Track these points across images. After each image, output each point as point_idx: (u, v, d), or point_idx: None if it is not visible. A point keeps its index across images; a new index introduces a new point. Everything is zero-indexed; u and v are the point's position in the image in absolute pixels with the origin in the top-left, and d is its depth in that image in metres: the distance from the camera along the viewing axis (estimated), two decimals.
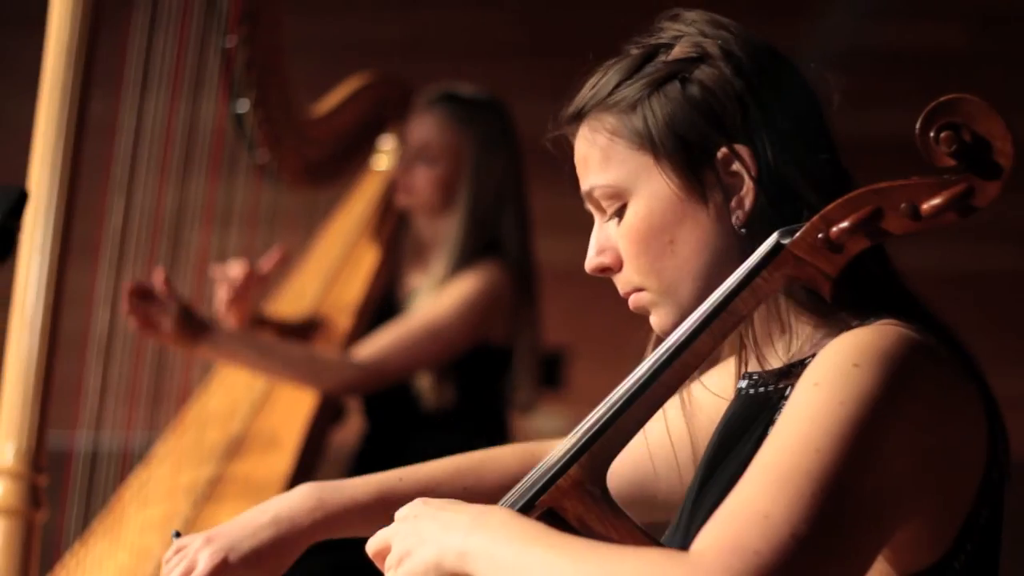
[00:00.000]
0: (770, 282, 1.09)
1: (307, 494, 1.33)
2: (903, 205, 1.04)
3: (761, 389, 1.16)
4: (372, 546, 1.12)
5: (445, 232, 2.54)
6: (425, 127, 2.55)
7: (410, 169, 2.56)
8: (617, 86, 1.17)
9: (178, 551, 1.34)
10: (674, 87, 1.15)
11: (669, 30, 1.19)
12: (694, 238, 1.15)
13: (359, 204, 2.91)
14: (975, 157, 1.02)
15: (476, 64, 4.05)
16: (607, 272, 1.20)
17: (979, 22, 4.49)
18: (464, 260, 2.50)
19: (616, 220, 1.19)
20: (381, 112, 2.81)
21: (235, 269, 2.41)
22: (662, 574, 0.91)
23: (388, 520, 1.20)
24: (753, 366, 1.19)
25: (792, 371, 1.13)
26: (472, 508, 1.06)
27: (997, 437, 1.10)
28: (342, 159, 2.74)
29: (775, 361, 1.16)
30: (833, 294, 1.07)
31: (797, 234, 1.08)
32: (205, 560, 1.32)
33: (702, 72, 1.15)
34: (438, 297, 2.49)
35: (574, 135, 1.21)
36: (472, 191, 2.51)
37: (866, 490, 0.97)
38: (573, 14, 4.12)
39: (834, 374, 1.02)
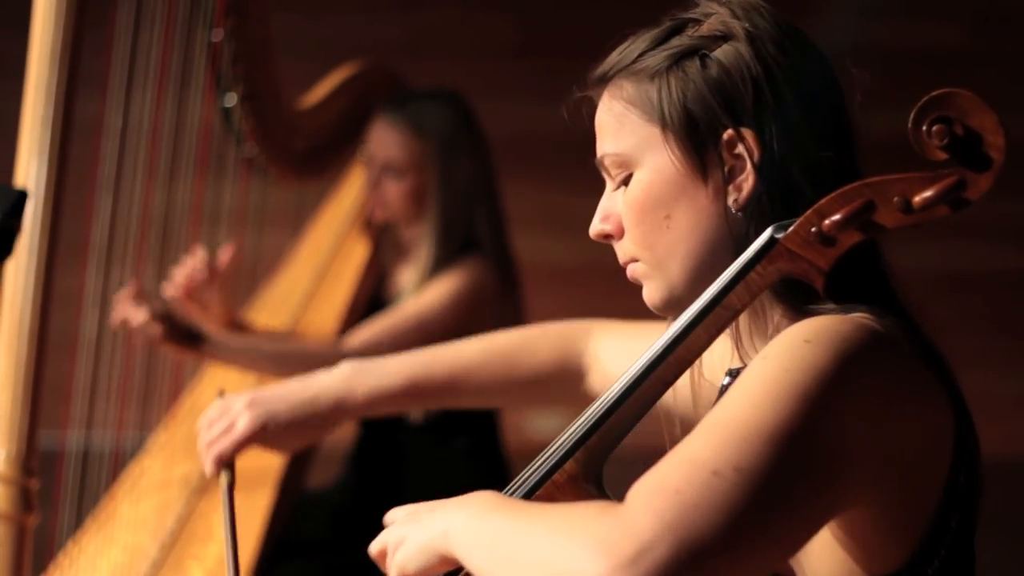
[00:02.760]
0: (764, 276, 1.09)
1: (343, 377, 1.45)
2: (895, 198, 1.04)
3: None
4: (374, 548, 1.14)
5: (422, 236, 2.54)
6: (385, 143, 2.54)
7: (379, 185, 2.56)
8: (641, 55, 1.18)
9: (221, 408, 1.46)
10: (693, 63, 1.15)
11: (704, 6, 1.20)
12: (689, 216, 1.15)
13: (349, 195, 2.91)
14: (967, 150, 1.01)
15: (476, 64, 4.05)
16: (608, 239, 1.21)
17: (978, 22, 4.49)
18: (443, 261, 2.50)
19: (623, 189, 1.19)
20: (369, 102, 2.80)
21: (187, 269, 2.37)
22: (593, 519, 0.92)
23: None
24: (737, 362, 1.19)
25: None
26: (462, 496, 1.08)
27: (966, 442, 1.09)
28: (331, 150, 2.73)
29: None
30: (826, 287, 1.07)
31: (791, 228, 1.08)
32: (245, 423, 1.46)
33: (722, 51, 1.15)
34: (423, 292, 2.49)
35: (599, 98, 1.22)
36: (442, 195, 2.51)
37: (799, 451, 0.95)
38: (572, 14, 4.11)
39: (785, 348, 1.02)
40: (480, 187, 2.54)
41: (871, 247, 1.12)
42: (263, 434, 1.47)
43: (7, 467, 1.62)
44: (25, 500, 1.63)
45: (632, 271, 1.20)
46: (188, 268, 2.36)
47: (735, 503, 0.91)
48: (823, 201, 1.06)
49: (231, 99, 2.27)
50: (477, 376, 1.42)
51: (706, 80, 1.14)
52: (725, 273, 1.10)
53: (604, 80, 1.21)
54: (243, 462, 2.33)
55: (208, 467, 1.51)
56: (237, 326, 2.46)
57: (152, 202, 2.08)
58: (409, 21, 4.52)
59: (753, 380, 1.00)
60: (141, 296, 2.15)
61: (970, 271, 4.34)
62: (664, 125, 1.15)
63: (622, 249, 1.20)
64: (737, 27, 1.15)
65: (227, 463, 1.50)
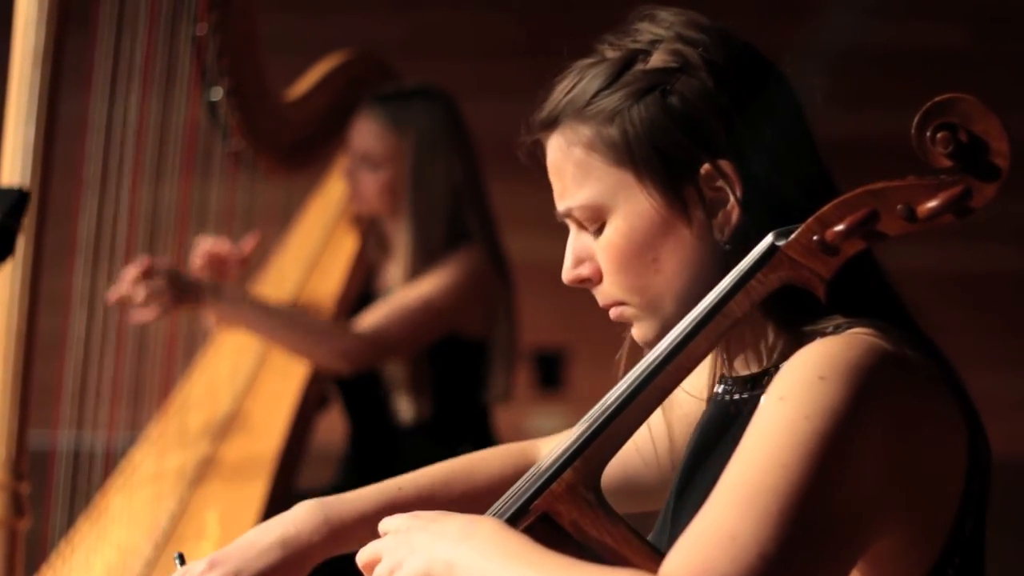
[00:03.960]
0: (765, 284, 1.07)
1: (312, 511, 1.29)
2: (899, 207, 1.02)
3: (736, 396, 1.15)
4: (362, 558, 1.11)
5: (403, 232, 2.53)
6: (363, 135, 2.53)
7: (356, 177, 2.55)
8: (595, 95, 1.13)
9: None
10: (654, 99, 1.10)
11: (646, 32, 1.15)
12: (677, 255, 1.12)
13: (337, 187, 2.89)
14: (972, 157, 1.00)
15: (476, 64, 4.03)
16: (585, 284, 1.17)
17: (979, 22, 4.48)
18: (428, 256, 2.49)
19: (595, 232, 1.15)
20: (357, 91, 2.78)
21: (215, 243, 2.40)
22: None
23: None
24: (729, 370, 1.17)
25: (766, 377, 1.11)
26: (462, 519, 1.05)
27: (978, 446, 1.08)
28: (319, 141, 2.71)
29: (753, 366, 1.15)
30: (828, 296, 1.06)
31: (792, 236, 1.06)
32: None
33: (683, 84, 1.11)
34: (421, 279, 2.48)
35: (547, 140, 1.17)
36: (414, 192, 2.49)
37: (833, 505, 0.95)
38: (573, 14, 4.09)
39: (800, 387, 1.00)
40: (466, 185, 2.52)
41: (866, 252, 1.10)
42: None
43: None
44: (16, 504, 1.62)
45: (618, 313, 1.16)
46: (215, 243, 2.39)
47: None
48: (825, 209, 1.05)
49: (217, 93, 2.26)
50: (445, 492, 1.36)
51: (672, 116, 1.10)
52: (725, 281, 1.08)
53: (553, 123, 1.15)
54: (236, 450, 2.34)
55: None
56: None
57: (139, 200, 2.07)
58: (408, 20, 4.51)
59: (774, 432, 0.98)
60: (149, 273, 2.13)
61: (970, 271, 4.35)
62: (637, 168, 1.11)
63: (603, 293, 1.16)
64: (692, 55, 1.11)
65: None
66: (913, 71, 3.99)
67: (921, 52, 4.36)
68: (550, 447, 1.43)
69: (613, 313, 1.17)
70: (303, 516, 1.29)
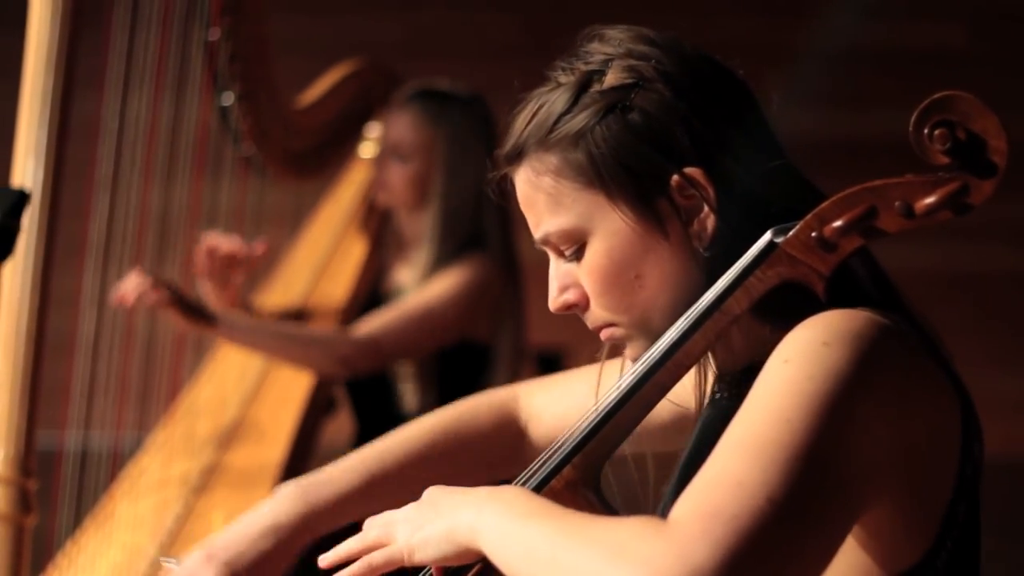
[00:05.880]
0: (763, 281, 1.08)
1: (294, 496, 1.33)
2: (897, 203, 1.03)
3: (735, 393, 1.15)
4: (358, 543, 1.13)
5: (423, 229, 2.54)
6: (398, 125, 2.55)
7: (384, 166, 2.57)
8: (556, 122, 1.13)
9: (181, 574, 1.31)
10: (615, 118, 1.11)
11: (596, 53, 1.15)
12: (659, 269, 1.13)
13: (347, 192, 2.91)
14: (969, 155, 1.00)
15: (476, 64, 4.04)
16: (573, 309, 1.18)
17: (980, 22, 4.48)
18: (445, 256, 2.50)
19: (575, 258, 1.16)
20: (367, 100, 2.80)
21: (225, 240, 2.41)
22: (643, 539, 0.91)
23: (377, 506, 1.22)
24: (720, 366, 1.18)
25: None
26: (486, 488, 1.06)
27: (971, 433, 1.09)
28: (329, 149, 2.73)
29: (745, 363, 1.15)
30: (827, 293, 1.07)
31: (791, 232, 1.07)
32: None
33: (641, 98, 1.11)
34: (429, 284, 2.49)
35: (515, 174, 1.17)
36: (445, 188, 2.51)
37: (836, 461, 0.96)
38: (573, 14, 4.10)
39: (804, 351, 1.01)
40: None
41: (863, 249, 1.11)
42: None
43: (5, 468, 1.62)
44: (23, 501, 1.62)
45: (609, 334, 1.17)
46: (225, 240, 2.39)
47: (789, 531, 0.92)
48: (824, 205, 1.05)
49: (228, 98, 2.27)
50: (429, 456, 1.37)
51: (634, 132, 1.11)
52: (724, 278, 1.09)
53: (519, 155, 1.16)
54: (242, 455, 2.35)
55: None
56: (244, 309, 2.47)
57: (149, 202, 2.08)
58: (409, 21, 4.52)
59: (779, 390, 0.99)
60: (155, 285, 2.15)
61: (970, 271, 4.34)
62: (607, 188, 1.12)
63: (592, 317, 1.17)
64: (646, 68, 1.12)
65: None
66: (913, 71, 3.98)
67: (921, 52, 4.36)
68: (536, 398, 1.44)
69: (604, 335, 1.17)
70: (286, 505, 1.32)
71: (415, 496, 1.22)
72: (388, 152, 2.56)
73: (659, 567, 0.89)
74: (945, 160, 1.01)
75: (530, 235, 1.19)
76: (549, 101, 1.15)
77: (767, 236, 1.08)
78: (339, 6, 4.50)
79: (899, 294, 1.14)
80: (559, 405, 1.40)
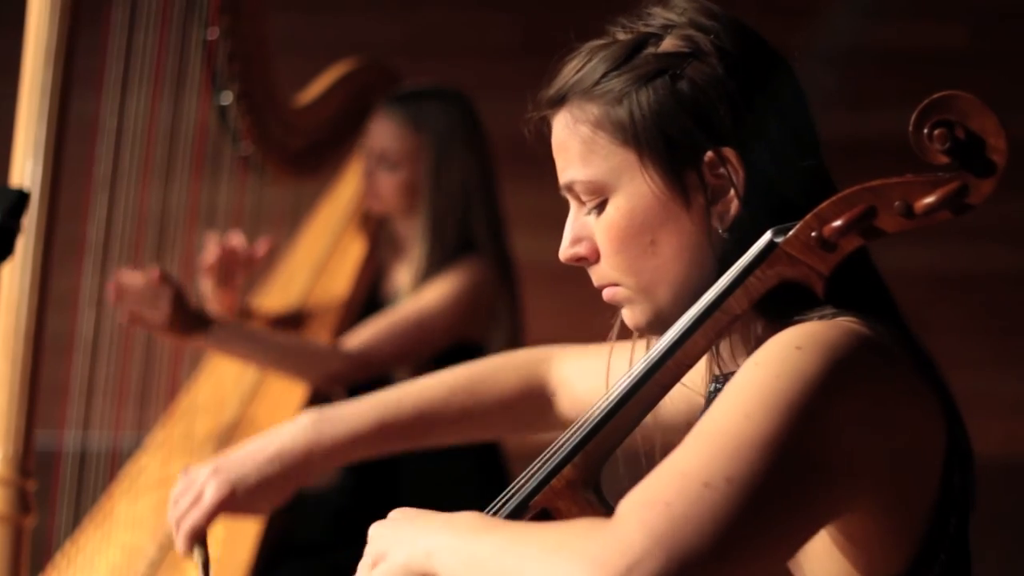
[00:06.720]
0: (763, 280, 1.08)
1: (307, 427, 1.38)
2: (897, 203, 1.03)
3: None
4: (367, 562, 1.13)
5: (417, 233, 2.54)
6: (381, 134, 2.54)
7: (373, 176, 2.56)
8: (604, 75, 1.13)
9: (186, 481, 1.40)
10: (664, 83, 1.11)
11: (658, 16, 1.16)
12: (675, 240, 1.12)
13: (346, 191, 2.90)
14: (969, 154, 1.00)
15: (476, 64, 4.04)
16: (582, 262, 1.18)
17: (980, 22, 4.48)
18: (440, 260, 2.50)
19: (595, 212, 1.16)
20: (366, 98, 2.79)
21: (228, 238, 2.42)
22: (584, 535, 0.91)
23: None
24: (715, 368, 1.18)
25: None
26: (444, 515, 1.06)
27: (958, 444, 1.09)
28: (327, 147, 2.72)
29: (743, 360, 1.15)
30: (826, 292, 1.07)
31: (790, 232, 1.07)
32: (213, 491, 1.39)
33: (694, 69, 1.11)
34: (422, 291, 2.48)
35: (554, 117, 1.18)
36: (433, 192, 2.51)
37: (789, 460, 0.95)
38: (573, 14, 4.11)
39: (776, 354, 1.01)
40: (476, 185, 2.53)
41: (860, 250, 1.11)
42: (233, 500, 1.39)
43: (4, 468, 1.62)
44: (22, 501, 1.63)
45: (612, 295, 1.17)
46: (228, 238, 2.39)
47: (726, 515, 0.90)
48: (823, 205, 1.05)
49: (227, 97, 2.26)
50: (445, 410, 1.38)
51: (680, 101, 1.11)
52: (724, 277, 1.09)
53: (561, 101, 1.16)
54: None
55: (180, 544, 1.43)
56: (243, 312, 2.47)
57: (148, 201, 2.08)
58: (409, 21, 4.52)
59: (744, 388, 0.99)
60: (157, 285, 2.12)
61: (970, 271, 4.34)
62: (640, 149, 1.12)
63: (599, 273, 1.17)
64: (704, 42, 1.12)
65: (200, 539, 1.42)
66: (913, 71, 3.98)
67: (921, 52, 4.36)
68: (567, 366, 1.44)
69: (607, 294, 1.18)
70: (299, 433, 1.39)
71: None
72: (375, 162, 2.56)
73: (597, 558, 0.89)
74: (944, 160, 1.01)
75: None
76: (601, 55, 1.15)
77: (767, 235, 1.08)
78: (339, 6, 4.50)
79: (891, 300, 1.13)
80: (592, 377, 1.39)
